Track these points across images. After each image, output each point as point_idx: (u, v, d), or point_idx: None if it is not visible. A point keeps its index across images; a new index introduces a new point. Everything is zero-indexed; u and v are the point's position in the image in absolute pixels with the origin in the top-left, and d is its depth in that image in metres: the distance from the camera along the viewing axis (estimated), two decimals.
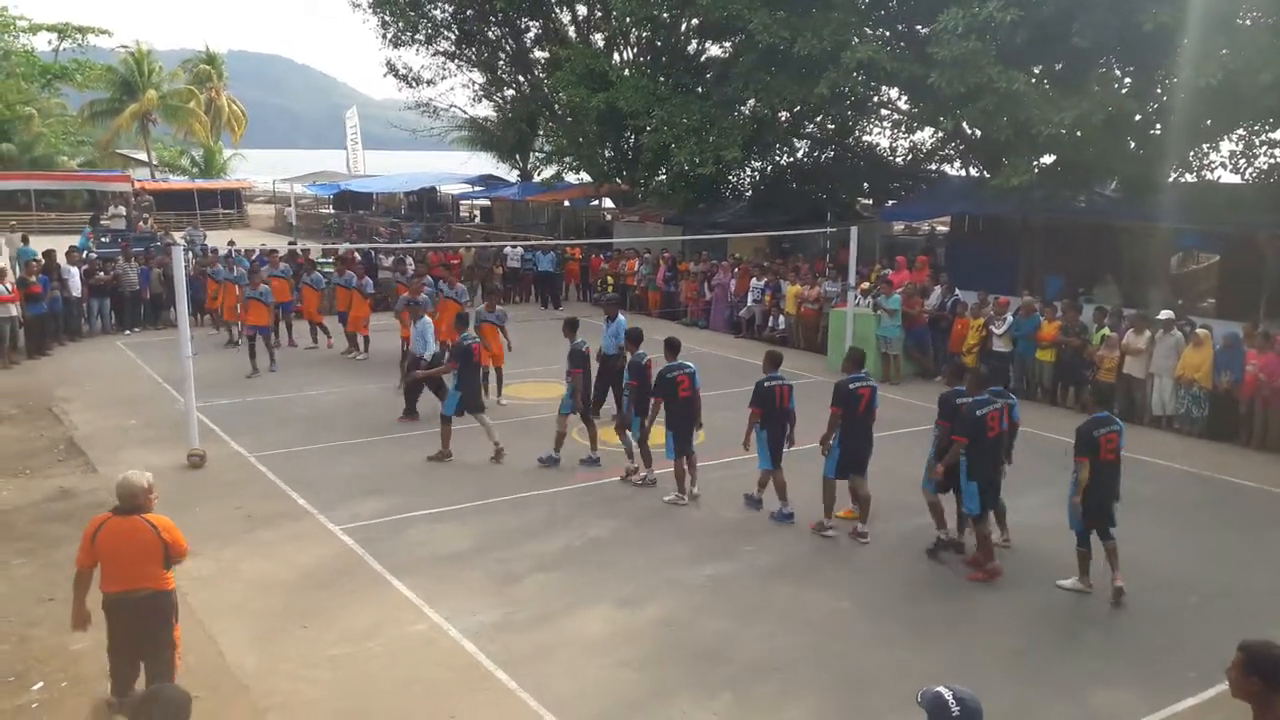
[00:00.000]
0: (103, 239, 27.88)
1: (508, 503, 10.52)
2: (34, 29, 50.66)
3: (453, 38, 33.19)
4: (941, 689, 3.56)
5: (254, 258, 22.76)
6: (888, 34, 21.89)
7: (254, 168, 63.76)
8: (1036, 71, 18.90)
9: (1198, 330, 13.78)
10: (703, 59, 28.66)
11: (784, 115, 25.09)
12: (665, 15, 26.68)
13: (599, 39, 31.05)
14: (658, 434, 10.81)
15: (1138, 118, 17.39)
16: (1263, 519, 10.66)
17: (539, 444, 11.86)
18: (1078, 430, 8.48)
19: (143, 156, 54.25)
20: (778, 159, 27.71)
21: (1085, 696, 6.84)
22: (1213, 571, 9.03)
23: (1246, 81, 14.47)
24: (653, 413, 10.58)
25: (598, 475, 11.38)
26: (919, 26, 21.04)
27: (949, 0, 17.49)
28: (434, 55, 33.86)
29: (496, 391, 14.87)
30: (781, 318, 20.12)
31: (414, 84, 34.97)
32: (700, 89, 26.04)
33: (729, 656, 7.27)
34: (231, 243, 25.06)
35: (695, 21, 26.45)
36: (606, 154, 29.97)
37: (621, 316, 12.89)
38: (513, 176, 39.76)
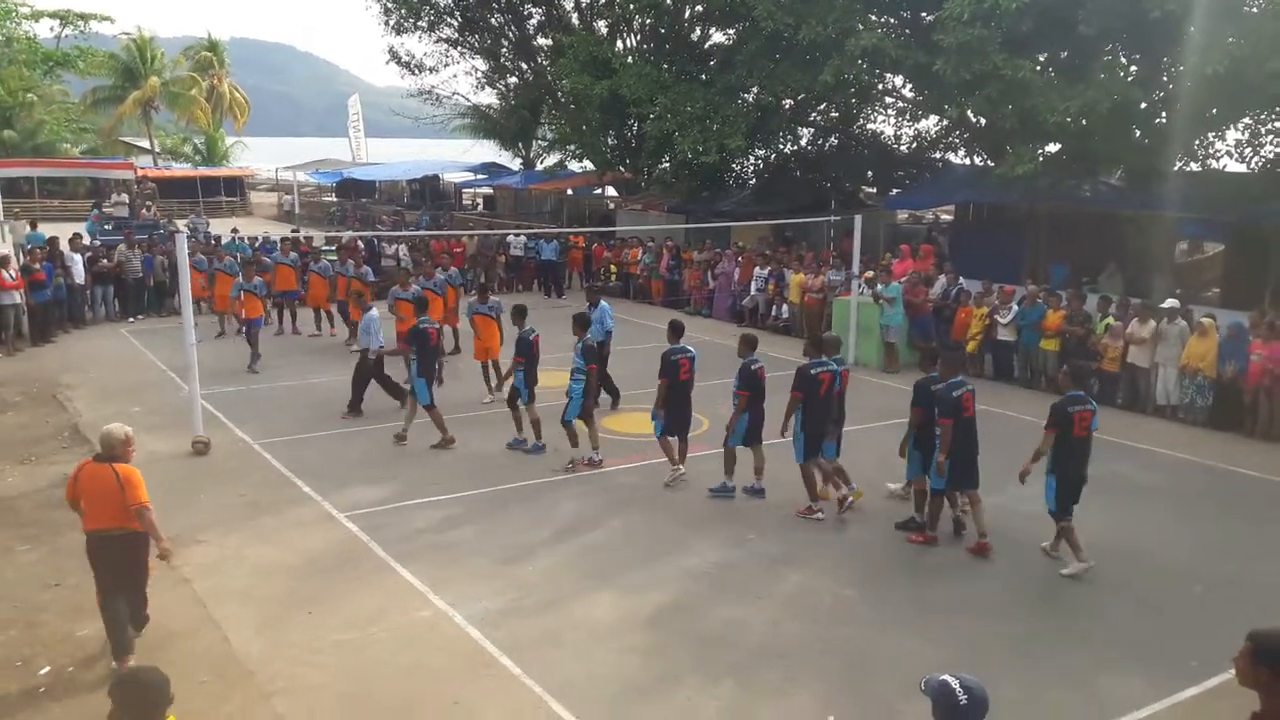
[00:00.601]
0: (106, 226, 27.87)
1: (512, 490, 10.53)
2: (36, 15, 50.55)
3: (456, 24, 33.04)
4: (947, 677, 3.54)
5: (256, 245, 22.78)
6: (892, 21, 21.78)
7: (257, 155, 63.67)
8: (1042, 59, 18.80)
9: (1202, 319, 13.74)
10: (706, 46, 28.51)
11: (788, 103, 25.00)
12: (668, 2, 26.56)
13: (602, 26, 30.90)
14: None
15: (1143, 106, 17.31)
16: (1267, 508, 10.65)
17: (547, 432, 11.81)
18: (1053, 406, 8.76)
19: (145, 144, 54.16)
20: (781, 147, 27.61)
21: (1090, 684, 6.85)
22: (1217, 561, 9.03)
23: (1253, 70, 14.40)
24: (660, 397, 10.53)
25: (603, 463, 11.36)
26: (924, 14, 20.92)
27: None
28: (437, 42, 33.74)
29: (497, 385, 14.59)
30: (785, 306, 20.09)
31: (417, 71, 34.85)
32: (704, 76, 25.91)
33: (734, 643, 7.28)
34: (235, 230, 25.02)
35: (699, 8, 26.33)
36: (609, 142, 29.86)
37: (605, 303, 12.86)
38: (515, 164, 39.66)
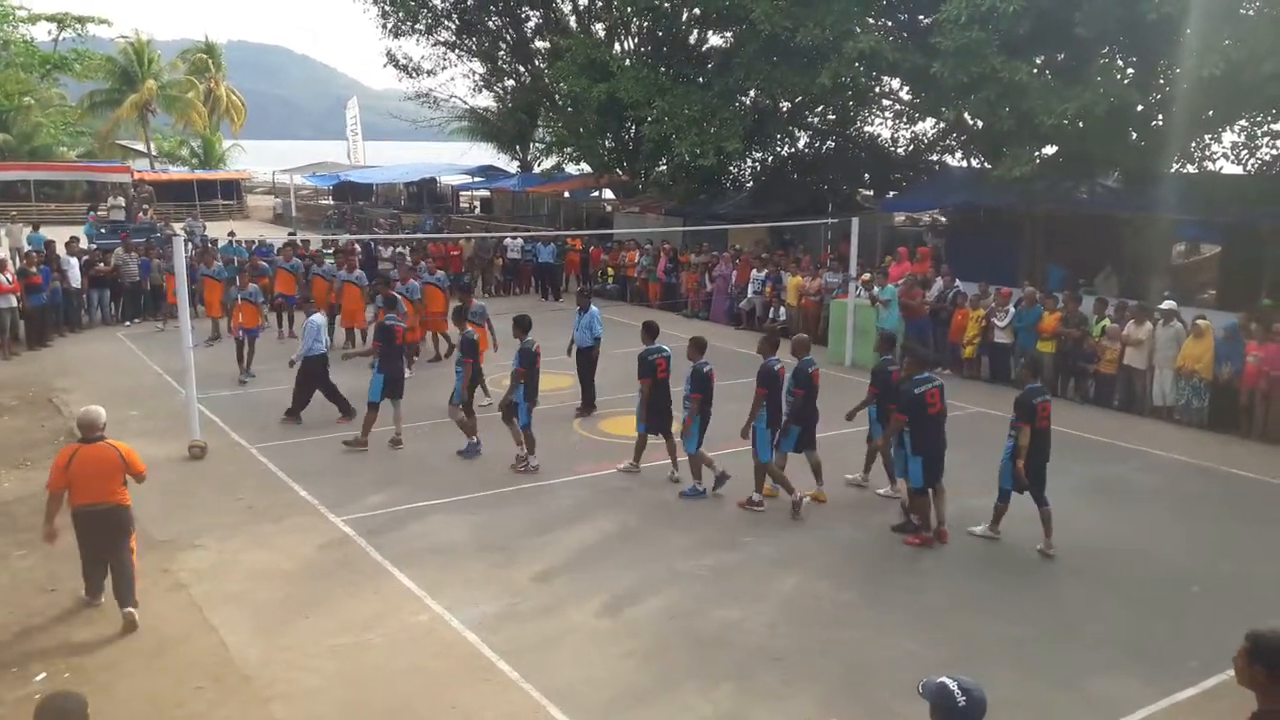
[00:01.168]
0: (102, 230, 27.86)
1: (509, 494, 10.52)
2: (33, 19, 50.52)
3: (453, 27, 33.06)
4: (945, 679, 3.54)
5: (253, 248, 22.75)
6: (890, 24, 21.82)
7: (254, 159, 63.60)
8: (1039, 61, 18.82)
9: (1198, 321, 13.76)
10: (704, 49, 28.54)
11: (785, 106, 25.05)
12: (666, 5, 26.58)
13: (600, 29, 30.94)
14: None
15: (1140, 108, 17.34)
16: (1263, 509, 10.66)
17: (540, 436, 11.79)
18: (1017, 399, 9.09)
19: (142, 147, 54.12)
20: (779, 150, 27.66)
21: (1088, 686, 6.85)
22: (1214, 561, 9.03)
23: (1249, 72, 14.43)
24: (643, 397, 10.64)
25: (598, 467, 11.36)
26: (921, 16, 20.97)
27: None
28: (434, 45, 33.77)
29: (482, 390, 14.07)
30: (783, 309, 20.09)
31: (414, 74, 34.86)
32: (701, 79, 25.95)
33: (732, 646, 7.27)
34: (232, 233, 24.97)
35: (696, 11, 26.34)
36: (607, 145, 29.88)
37: (594, 308, 12.81)
38: (513, 167, 39.66)
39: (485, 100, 36.76)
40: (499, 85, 35.39)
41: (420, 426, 12.67)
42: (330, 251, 22.72)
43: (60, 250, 19.55)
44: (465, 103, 36.90)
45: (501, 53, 33.80)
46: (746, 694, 6.67)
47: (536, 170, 36.82)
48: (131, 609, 7.41)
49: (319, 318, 13.24)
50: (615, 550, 9.07)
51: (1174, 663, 7.13)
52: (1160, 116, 17.52)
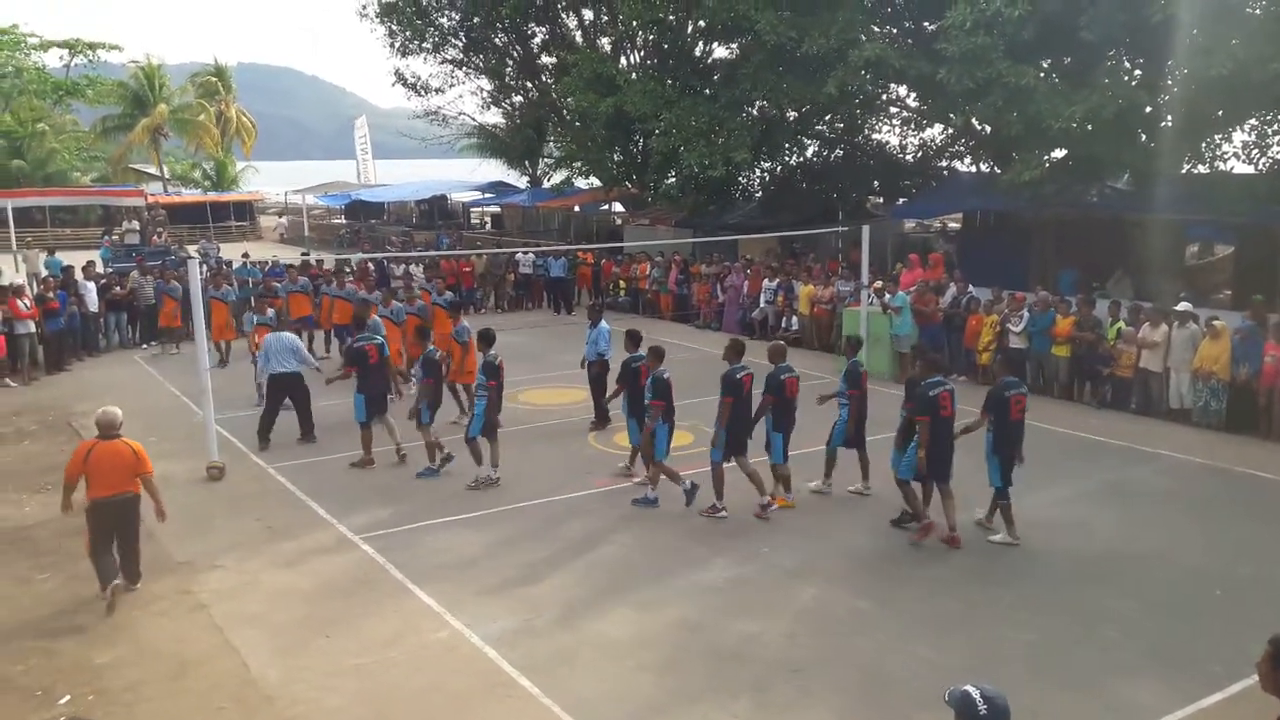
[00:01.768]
0: (117, 254, 28.13)
1: (525, 508, 10.54)
2: (45, 46, 51.27)
3: (460, 45, 33.25)
4: (969, 688, 3.59)
5: (266, 270, 22.89)
6: (895, 31, 21.85)
7: (266, 180, 64.09)
8: (1045, 66, 18.83)
9: (1214, 322, 13.69)
10: (710, 61, 28.62)
11: (793, 115, 25.06)
12: (671, 18, 26.67)
13: (606, 43, 31.07)
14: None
15: (1148, 110, 17.31)
16: None
17: (555, 449, 11.88)
18: (989, 392, 9.58)
19: (155, 170, 54.61)
20: (787, 159, 27.67)
21: (1109, 692, 6.82)
22: (1235, 565, 8.97)
23: (1257, 71, 14.39)
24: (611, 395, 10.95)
25: (614, 480, 11.37)
26: (926, 23, 20.99)
27: None
28: (442, 63, 33.95)
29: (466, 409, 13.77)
30: (795, 318, 20.10)
31: (422, 92, 35.06)
32: (708, 91, 26.02)
33: (750, 658, 7.27)
34: (245, 254, 25.16)
35: (701, 24, 26.44)
36: (615, 158, 29.96)
37: (604, 323, 12.83)
38: (523, 183, 39.84)
39: (494, 117, 36.96)
40: (507, 101, 35.56)
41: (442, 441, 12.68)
42: (347, 271, 22.84)
43: (77, 275, 19.73)
44: (474, 119, 37.11)
45: (509, 69, 33.97)
46: (765, 706, 6.66)
47: (546, 185, 36.96)
48: (134, 585, 8.34)
49: (289, 336, 13.20)
50: (631, 563, 9.08)
51: (1196, 667, 7.09)
52: (1169, 117, 17.48)
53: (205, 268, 21.12)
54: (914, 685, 6.79)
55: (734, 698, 6.75)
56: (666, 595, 8.35)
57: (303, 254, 26.79)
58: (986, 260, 20.15)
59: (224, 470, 11.73)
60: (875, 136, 28.00)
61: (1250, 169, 17.90)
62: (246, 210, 52.09)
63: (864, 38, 19.61)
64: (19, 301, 17.14)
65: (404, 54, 33.02)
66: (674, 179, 26.23)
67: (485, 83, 34.80)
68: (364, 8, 32.95)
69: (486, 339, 11.39)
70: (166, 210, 45.66)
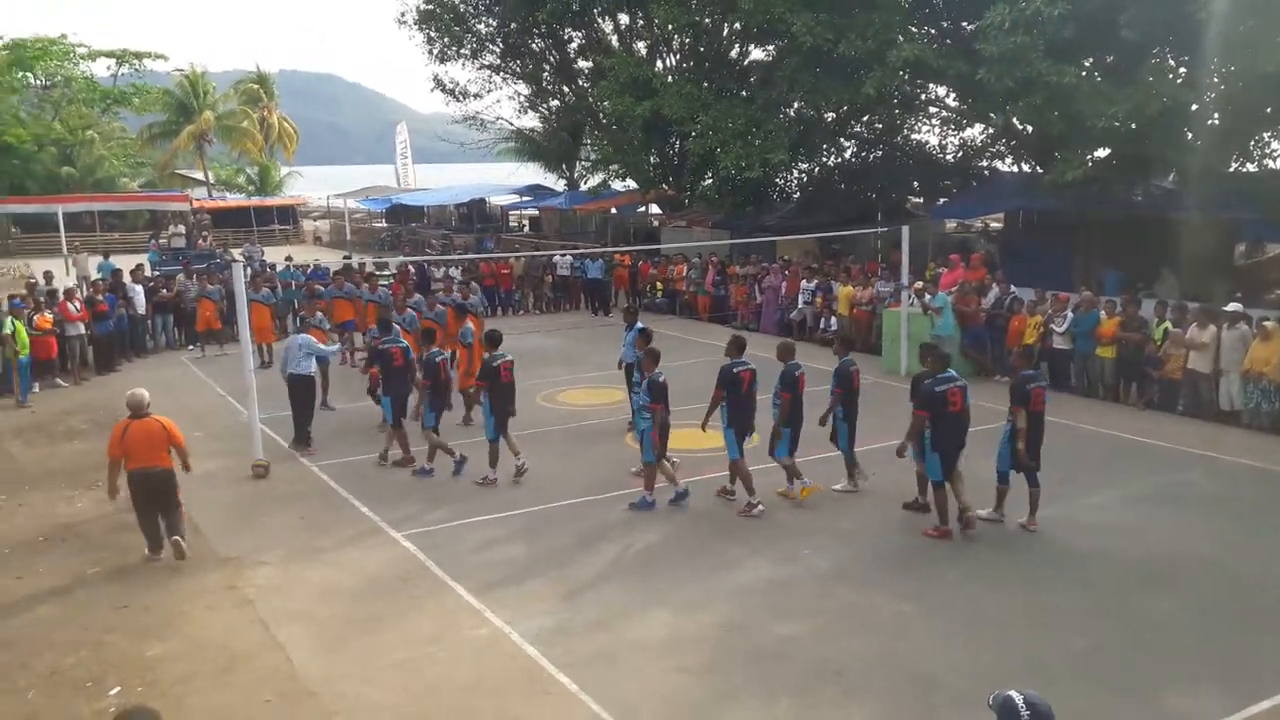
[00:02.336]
0: (164, 257, 28.66)
1: (566, 507, 10.58)
2: (93, 55, 52.40)
3: (497, 51, 33.49)
4: (1012, 693, 3.58)
5: (308, 273, 23.16)
6: (933, 31, 21.66)
7: (308, 184, 64.97)
8: (1087, 64, 18.57)
9: (1265, 323, 13.41)
10: (746, 63, 28.59)
11: (830, 116, 24.95)
12: (707, 20, 26.67)
13: (642, 47, 31.14)
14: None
15: (1194, 107, 17.00)
16: None
17: (593, 449, 11.90)
18: (1011, 386, 9.81)
19: (200, 176, 55.59)
20: (825, 160, 27.53)
21: (1158, 698, 6.70)
22: None
23: None
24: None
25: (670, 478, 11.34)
26: (965, 23, 20.80)
27: None
28: (479, 69, 34.22)
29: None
30: (834, 319, 19.99)
31: (461, 98, 35.36)
32: (745, 93, 25.98)
33: (790, 659, 7.23)
34: (289, 258, 25.49)
35: (737, 26, 26.40)
36: (652, 161, 30.00)
37: (640, 324, 12.81)
38: (560, 186, 40.01)
39: (531, 121, 37.17)
40: (544, 106, 35.75)
41: (476, 441, 12.73)
42: (386, 274, 23.05)
43: (125, 278, 20.12)
44: (511, 124, 37.35)
45: (546, 74, 34.15)
46: (806, 708, 6.63)
47: (583, 188, 37.09)
48: (179, 539, 9.12)
49: (304, 337, 13.13)
50: (670, 563, 9.08)
51: (1249, 674, 6.95)
52: (1215, 115, 17.16)
53: (249, 271, 21.35)
54: (957, 690, 6.72)
55: (774, 699, 6.72)
56: (706, 596, 8.33)
57: (345, 257, 27.10)
58: (1029, 260, 19.88)
59: (269, 468, 11.90)
60: (914, 136, 27.76)
61: None
62: (289, 214, 52.82)
63: (901, 38, 19.48)
64: (69, 304, 17.53)
65: (442, 60, 33.35)
66: (711, 181, 26.21)
67: (522, 87, 35.04)
68: (403, 15, 33.34)
69: (492, 340, 11.50)
70: (211, 215, 46.49)
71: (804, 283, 20.81)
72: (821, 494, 10.70)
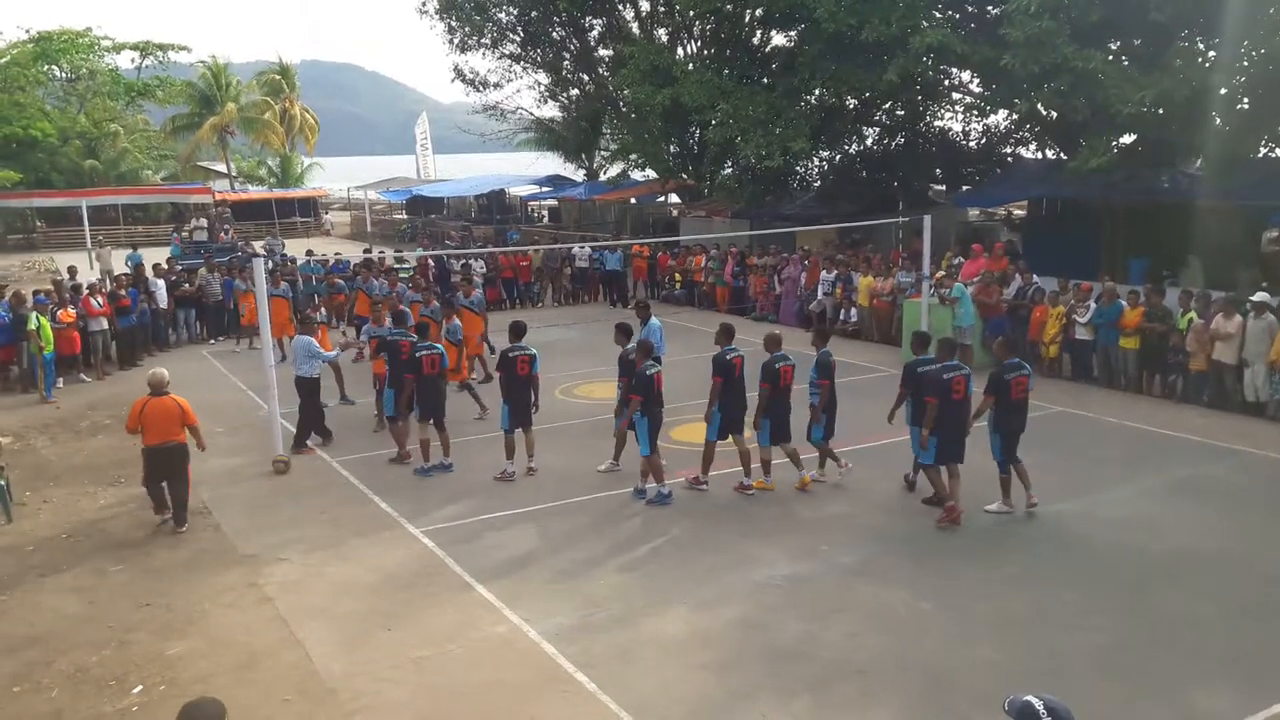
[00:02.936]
0: (186, 250, 28.87)
1: (582, 504, 10.58)
2: (118, 48, 52.71)
3: (518, 40, 33.48)
4: (1031, 698, 3.49)
5: (328, 266, 23.21)
6: (957, 16, 21.38)
7: (329, 175, 65.24)
8: (1114, 48, 18.29)
9: None
10: (767, 49, 28.36)
11: (852, 103, 24.71)
12: (729, 6, 26.48)
13: (662, 34, 31.00)
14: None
15: (1223, 91, 16.71)
16: None
17: (613, 443, 11.80)
18: (990, 375, 9.90)
19: (222, 168, 55.92)
20: (846, 148, 27.28)
21: (1182, 697, 6.62)
22: None
23: None
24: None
25: (670, 476, 11.31)
26: (989, 7, 20.53)
27: None
28: (500, 58, 34.24)
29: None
30: (854, 310, 19.85)
31: (481, 88, 35.39)
32: (765, 80, 25.77)
33: (809, 657, 7.20)
34: (310, 251, 25.61)
35: (759, 12, 26.19)
36: (672, 150, 29.88)
37: (655, 319, 12.71)
38: (579, 176, 39.98)
39: (551, 111, 37.17)
40: (564, 95, 35.70)
41: (490, 437, 12.73)
42: (408, 267, 23.10)
43: (148, 272, 20.27)
44: (531, 114, 37.36)
45: (566, 63, 34.10)
46: (825, 707, 6.59)
47: (603, 178, 37.03)
48: (180, 528, 9.95)
49: (307, 339, 12.91)
50: (689, 560, 9.05)
51: (1275, 672, 6.85)
52: (1245, 99, 16.86)
53: (270, 264, 21.44)
54: (978, 688, 6.66)
55: (794, 697, 6.69)
56: (725, 593, 8.31)
57: (365, 250, 27.18)
58: (1053, 249, 19.65)
59: (289, 464, 11.96)
60: (937, 123, 27.45)
61: None
62: (311, 206, 53.07)
63: (925, 23, 19.23)
64: (92, 299, 17.68)
65: (463, 49, 33.41)
66: (731, 170, 26.07)
67: (543, 77, 35.03)
68: (424, 4, 33.35)
69: (514, 331, 11.55)
70: (233, 207, 46.77)
71: (824, 273, 20.67)
72: (810, 489, 10.75)
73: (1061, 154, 21.26)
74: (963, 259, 18.91)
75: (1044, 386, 15.20)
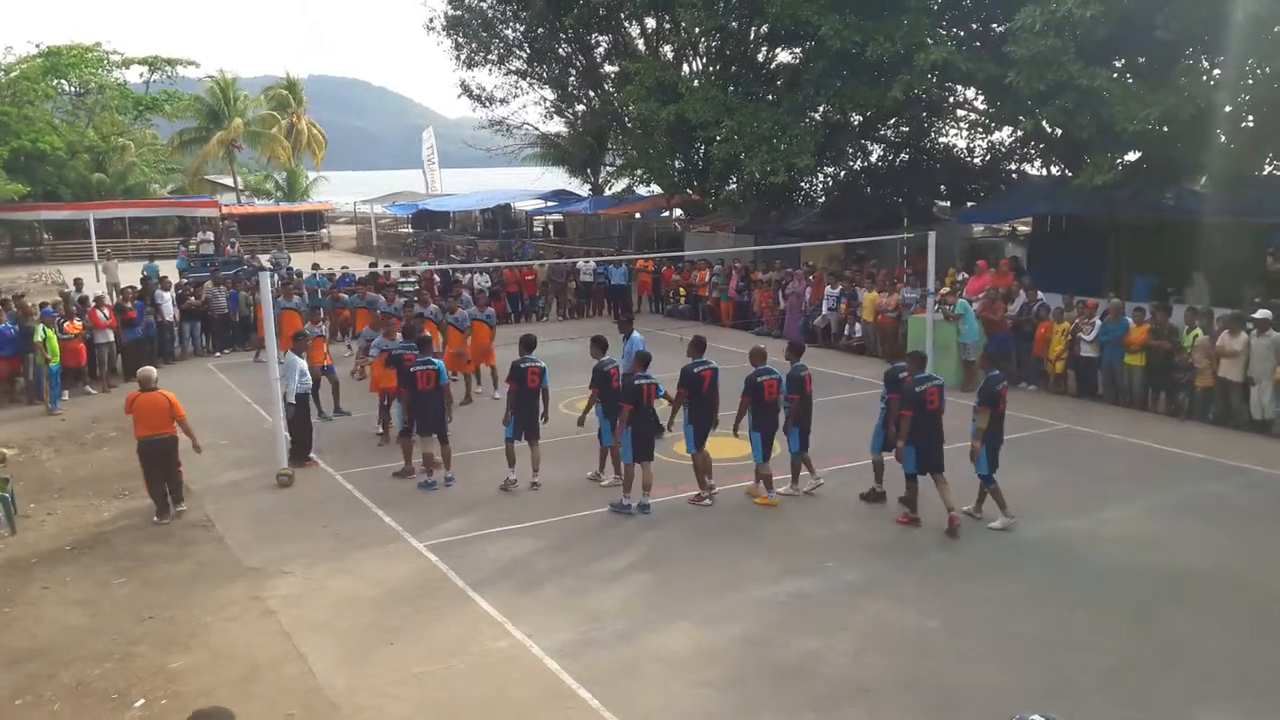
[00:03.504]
0: (192, 264, 28.97)
1: (586, 519, 10.55)
2: (126, 63, 52.92)
3: (524, 56, 33.66)
4: (1037, 717, 3.48)
5: (335, 280, 23.28)
6: (962, 34, 21.48)
7: (336, 189, 65.45)
8: (1119, 66, 18.34)
9: None
10: (773, 66, 28.51)
11: (857, 120, 24.80)
12: (734, 24, 26.62)
13: (668, 51, 31.14)
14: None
15: (1228, 109, 16.74)
16: None
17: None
18: (981, 387, 10.11)
19: (229, 182, 56.10)
20: (851, 164, 27.38)
21: (1190, 717, 6.56)
22: None
23: None
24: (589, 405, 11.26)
25: (673, 491, 11.30)
26: (994, 25, 20.61)
27: None
28: (506, 74, 34.42)
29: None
30: (858, 326, 19.85)
31: (487, 103, 35.56)
32: (770, 97, 25.89)
33: (814, 675, 7.16)
34: (316, 265, 25.66)
35: (764, 29, 26.33)
36: (677, 165, 29.97)
37: (636, 333, 12.70)
38: (584, 191, 40.10)
39: (556, 126, 37.37)
40: (570, 111, 35.87)
41: (495, 451, 12.71)
42: (412, 281, 23.14)
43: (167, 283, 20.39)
44: (537, 129, 37.55)
45: (572, 79, 34.25)
46: None
47: (608, 193, 37.13)
48: (179, 507, 10.82)
49: (291, 356, 12.71)
50: (692, 575, 9.02)
51: None
52: (1250, 118, 16.89)
53: (276, 277, 21.45)
54: (984, 709, 6.61)
55: (797, 715, 6.65)
56: (728, 609, 8.27)
57: (370, 264, 27.25)
58: (1058, 266, 19.67)
59: (293, 477, 11.95)
60: (942, 140, 27.58)
61: None
62: (317, 220, 53.22)
63: (930, 41, 19.31)
64: (99, 312, 17.72)
65: (470, 65, 33.59)
66: (735, 185, 26.13)
67: (548, 92, 35.22)
68: (431, 21, 33.55)
69: (524, 344, 11.67)
70: (239, 220, 46.92)
71: (828, 289, 20.68)
72: (776, 507, 10.76)
73: (1066, 171, 21.29)
74: (967, 275, 18.90)
75: (1049, 403, 15.21)
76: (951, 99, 23.85)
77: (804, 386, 10.86)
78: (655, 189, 32.80)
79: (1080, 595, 8.49)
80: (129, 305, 18.58)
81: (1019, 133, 23.76)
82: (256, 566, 9.40)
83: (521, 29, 32.58)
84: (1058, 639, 7.69)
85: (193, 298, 21.23)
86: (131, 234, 46.51)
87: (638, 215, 36.08)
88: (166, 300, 20.20)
